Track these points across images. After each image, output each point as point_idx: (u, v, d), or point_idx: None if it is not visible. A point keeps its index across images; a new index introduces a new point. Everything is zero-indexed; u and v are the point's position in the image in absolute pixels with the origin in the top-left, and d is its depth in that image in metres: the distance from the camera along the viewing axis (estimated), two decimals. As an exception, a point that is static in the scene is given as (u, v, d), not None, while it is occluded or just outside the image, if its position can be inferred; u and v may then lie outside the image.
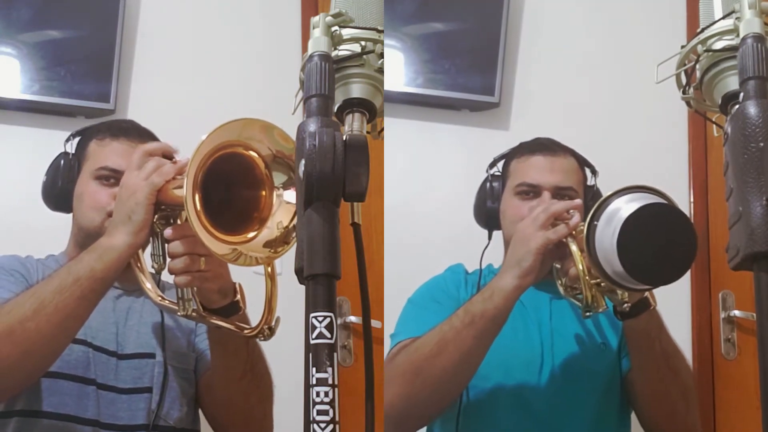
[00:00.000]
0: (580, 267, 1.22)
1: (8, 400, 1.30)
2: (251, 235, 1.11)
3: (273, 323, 1.18)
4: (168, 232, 1.15)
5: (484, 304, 1.28)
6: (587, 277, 1.22)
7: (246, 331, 1.20)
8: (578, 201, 1.37)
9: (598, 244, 1.15)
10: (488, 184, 1.60)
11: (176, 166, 1.19)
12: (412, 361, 1.32)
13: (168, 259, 1.18)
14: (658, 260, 1.11)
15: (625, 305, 1.25)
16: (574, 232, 1.27)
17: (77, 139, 1.48)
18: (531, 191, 1.52)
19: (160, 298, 1.23)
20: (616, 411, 1.47)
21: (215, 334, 1.29)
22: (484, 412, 1.43)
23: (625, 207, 1.12)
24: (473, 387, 1.42)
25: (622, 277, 1.12)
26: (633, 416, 1.52)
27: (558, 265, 1.33)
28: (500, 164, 1.64)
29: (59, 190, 1.43)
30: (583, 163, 1.58)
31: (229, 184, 1.12)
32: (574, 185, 1.52)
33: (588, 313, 1.27)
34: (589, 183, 1.58)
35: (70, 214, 1.47)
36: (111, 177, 1.39)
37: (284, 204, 1.11)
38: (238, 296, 1.22)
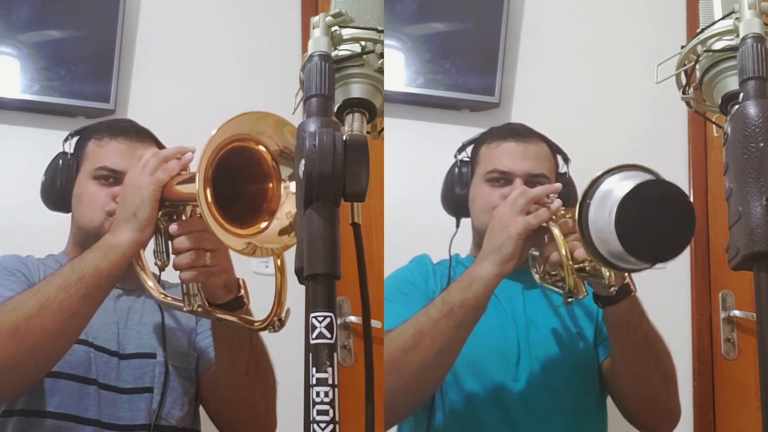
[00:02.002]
0: (563, 252, 1.20)
1: (9, 400, 1.29)
2: (263, 225, 1.11)
3: (283, 315, 1.17)
4: (173, 228, 1.15)
5: (463, 293, 1.24)
6: (570, 262, 1.21)
7: (257, 324, 1.19)
8: (558, 185, 1.34)
9: (592, 224, 1.13)
10: (456, 170, 1.56)
11: (180, 163, 1.19)
12: (387, 355, 1.26)
13: (172, 256, 1.17)
14: (658, 236, 1.09)
15: (612, 289, 1.22)
16: (555, 217, 1.25)
17: (75, 138, 1.48)
18: (502, 178, 1.48)
19: (163, 296, 1.23)
20: (594, 399, 1.45)
21: (220, 330, 1.29)
22: (461, 408, 1.40)
23: (618, 186, 1.11)
24: (447, 382, 1.39)
25: (619, 257, 1.10)
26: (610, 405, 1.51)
27: (536, 252, 1.30)
28: (469, 149, 1.59)
29: (58, 189, 1.43)
30: (555, 149, 1.54)
31: (238, 178, 1.12)
32: (547, 172, 1.49)
33: (570, 299, 1.25)
34: (561, 170, 1.55)
35: (69, 214, 1.47)
36: (110, 177, 1.39)
37: (291, 195, 1.12)
38: (242, 291, 1.22)
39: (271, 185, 1.12)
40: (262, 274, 2.19)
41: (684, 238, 1.10)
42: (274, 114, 1.10)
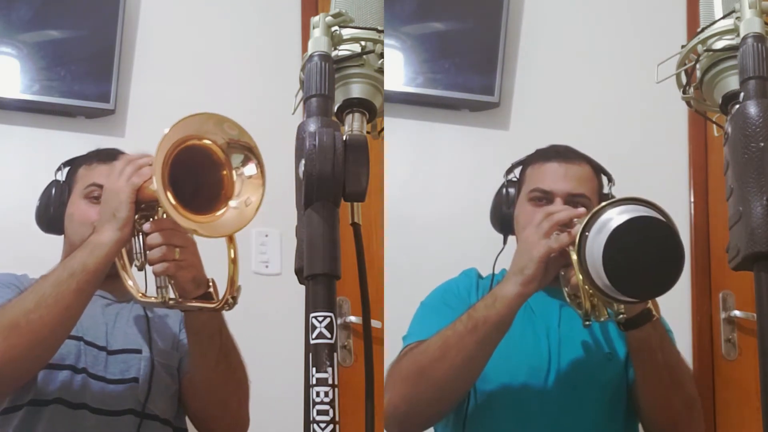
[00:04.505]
0: (580, 277, 1.22)
1: (12, 391, 1.36)
2: (219, 213, 1.23)
3: (235, 293, 1.28)
4: (147, 226, 1.27)
5: (487, 310, 1.29)
6: (586, 287, 1.22)
7: (213, 304, 1.30)
8: (582, 210, 1.36)
9: (588, 254, 1.15)
10: (504, 190, 1.61)
11: (152, 168, 1.26)
12: (416, 363, 1.34)
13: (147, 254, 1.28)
14: (642, 273, 1.11)
15: (621, 316, 1.25)
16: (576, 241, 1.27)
17: (67, 168, 1.59)
18: (544, 197, 1.52)
19: (141, 295, 1.31)
20: (621, 421, 1.46)
21: (191, 323, 1.38)
22: (489, 416, 1.44)
23: (615, 218, 1.12)
24: (480, 391, 1.43)
25: (610, 289, 1.12)
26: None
27: (562, 272, 1.33)
28: (517, 170, 1.64)
29: (51, 213, 1.55)
30: (598, 170, 1.58)
31: (195, 171, 1.23)
32: (587, 192, 1.52)
33: (587, 322, 1.27)
34: (604, 191, 1.58)
35: (62, 236, 1.55)
36: (99, 195, 1.45)
37: (247, 181, 1.23)
38: (211, 288, 1.31)
39: (224, 173, 1.24)
40: (262, 274, 2.19)
41: (669, 279, 1.11)
42: (215, 114, 1.22)
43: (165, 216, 1.27)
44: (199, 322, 1.35)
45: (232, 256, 1.30)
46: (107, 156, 1.56)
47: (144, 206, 1.29)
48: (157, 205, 1.28)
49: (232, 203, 1.23)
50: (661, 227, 1.12)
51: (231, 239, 1.29)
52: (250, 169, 1.24)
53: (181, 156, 1.20)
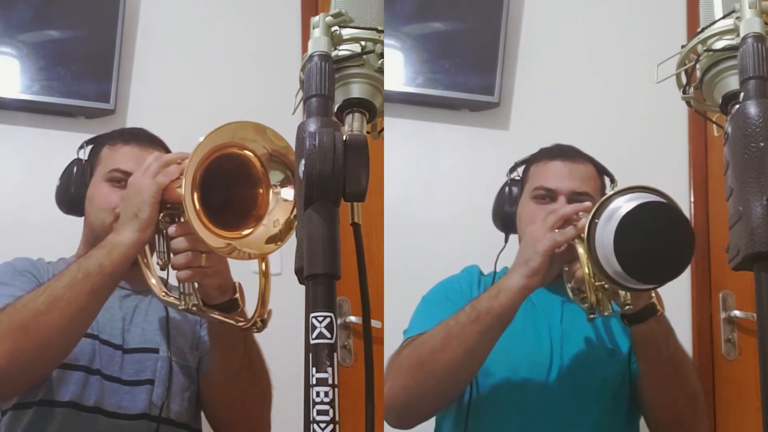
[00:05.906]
0: (586, 270, 1.23)
1: (22, 393, 1.33)
2: (246, 232, 1.16)
3: (265, 316, 1.22)
4: (171, 229, 1.20)
5: (490, 301, 1.29)
6: (592, 279, 1.23)
7: (240, 323, 1.23)
8: (587, 204, 1.36)
9: (598, 242, 1.16)
10: (507, 188, 1.62)
11: (181, 167, 1.22)
12: (418, 354, 1.34)
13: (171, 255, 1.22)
14: (654, 258, 1.12)
15: (627, 308, 1.25)
16: (582, 235, 1.27)
17: (90, 146, 1.53)
18: (547, 195, 1.53)
19: (164, 294, 1.27)
20: (623, 417, 1.47)
21: (214, 330, 1.33)
22: (491, 412, 1.44)
23: (624, 206, 1.13)
24: (482, 386, 1.43)
25: (621, 276, 1.13)
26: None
27: (566, 268, 1.33)
28: (520, 169, 1.65)
29: (72, 194, 1.48)
30: (601, 170, 1.59)
31: (228, 184, 1.17)
32: (591, 191, 1.53)
33: (592, 316, 1.27)
34: (607, 191, 1.58)
35: (82, 218, 1.50)
36: (122, 179, 1.42)
37: (281, 201, 1.17)
38: (237, 294, 1.26)
39: (260, 191, 1.18)
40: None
41: (680, 262, 1.12)
42: (252, 121, 1.16)
43: None
44: (222, 329, 1.28)
45: (264, 269, 1.21)
46: (132, 136, 1.50)
47: (170, 206, 1.22)
48: (184, 206, 1.21)
49: (262, 224, 1.16)
50: (669, 212, 1.13)
51: None
52: (288, 193, 1.17)
53: (217, 163, 1.14)
